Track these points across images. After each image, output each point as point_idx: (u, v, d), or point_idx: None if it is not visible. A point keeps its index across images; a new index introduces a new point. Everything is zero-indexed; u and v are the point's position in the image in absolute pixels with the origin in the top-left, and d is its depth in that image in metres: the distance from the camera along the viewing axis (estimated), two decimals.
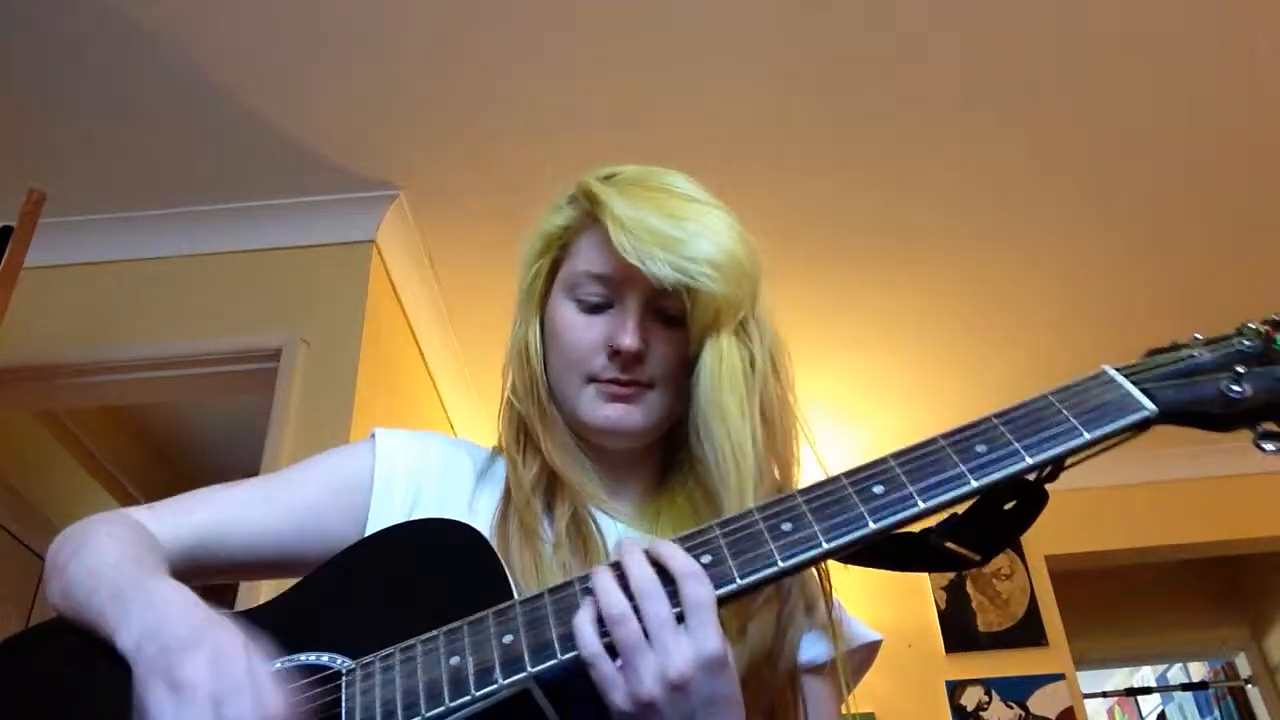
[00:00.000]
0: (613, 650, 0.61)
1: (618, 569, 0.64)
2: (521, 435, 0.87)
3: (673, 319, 0.84)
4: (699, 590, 0.61)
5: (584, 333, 0.85)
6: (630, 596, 0.62)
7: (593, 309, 0.85)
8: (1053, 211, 2.70)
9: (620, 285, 0.84)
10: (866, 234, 2.75)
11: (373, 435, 0.90)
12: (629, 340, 0.82)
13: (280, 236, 2.62)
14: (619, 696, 0.60)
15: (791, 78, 2.29)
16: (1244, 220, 2.77)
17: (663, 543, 0.65)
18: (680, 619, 0.61)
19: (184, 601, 0.67)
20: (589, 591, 0.64)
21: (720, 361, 0.81)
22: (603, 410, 0.84)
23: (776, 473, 0.81)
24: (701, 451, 0.80)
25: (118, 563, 0.72)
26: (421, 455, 0.88)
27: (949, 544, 0.70)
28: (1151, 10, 2.16)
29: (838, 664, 0.81)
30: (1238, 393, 0.64)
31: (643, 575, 0.62)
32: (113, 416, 3.42)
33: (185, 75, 2.24)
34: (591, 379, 0.84)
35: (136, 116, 2.36)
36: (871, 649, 0.88)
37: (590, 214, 0.86)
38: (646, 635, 0.60)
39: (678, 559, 0.63)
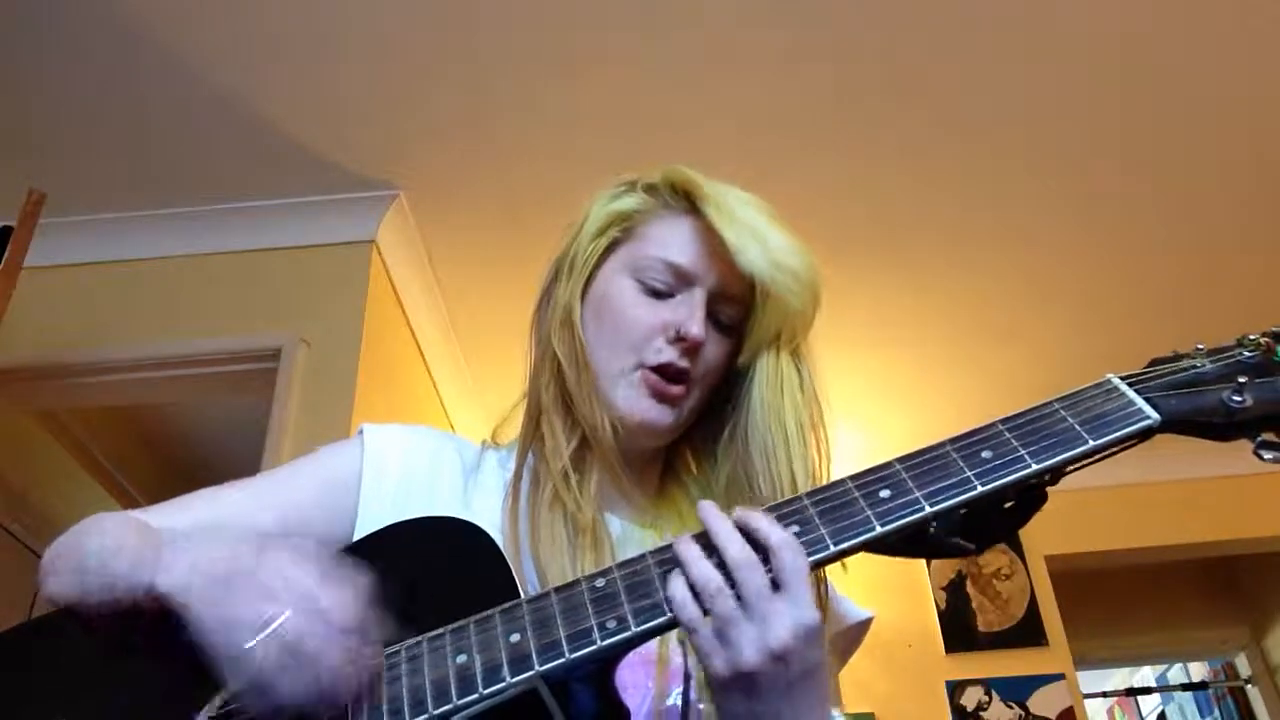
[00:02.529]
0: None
1: (701, 539, 0.64)
2: (563, 405, 0.86)
3: (723, 326, 0.86)
4: (796, 560, 0.61)
5: (646, 313, 0.85)
6: (721, 566, 0.62)
7: (655, 294, 0.86)
8: (1055, 211, 2.70)
9: (692, 278, 0.86)
10: (869, 234, 2.75)
11: (361, 431, 0.89)
12: (696, 329, 0.83)
13: (280, 236, 2.62)
14: (719, 664, 0.60)
15: (791, 77, 2.29)
16: (1246, 221, 2.77)
17: (750, 514, 0.64)
18: (775, 588, 0.61)
19: (216, 537, 0.67)
20: (594, 587, 0.64)
21: (779, 376, 0.84)
22: (642, 404, 0.84)
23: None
24: (747, 459, 0.82)
25: (139, 531, 0.71)
26: (410, 450, 0.88)
27: (947, 536, 0.70)
28: (1154, 12, 2.16)
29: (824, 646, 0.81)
30: (1239, 403, 0.66)
31: (739, 546, 0.62)
32: (113, 416, 3.41)
33: (185, 75, 2.24)
34: (641, 364, 0.84)
35: (137, 116, 2.35)
36: (863, 627, 0.89)
37: (671, 205, 0.89)
38: (743, 605, 0.60)
39: (774, 530, 0.63)
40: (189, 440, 3.60)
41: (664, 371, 0.84)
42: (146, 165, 2.50)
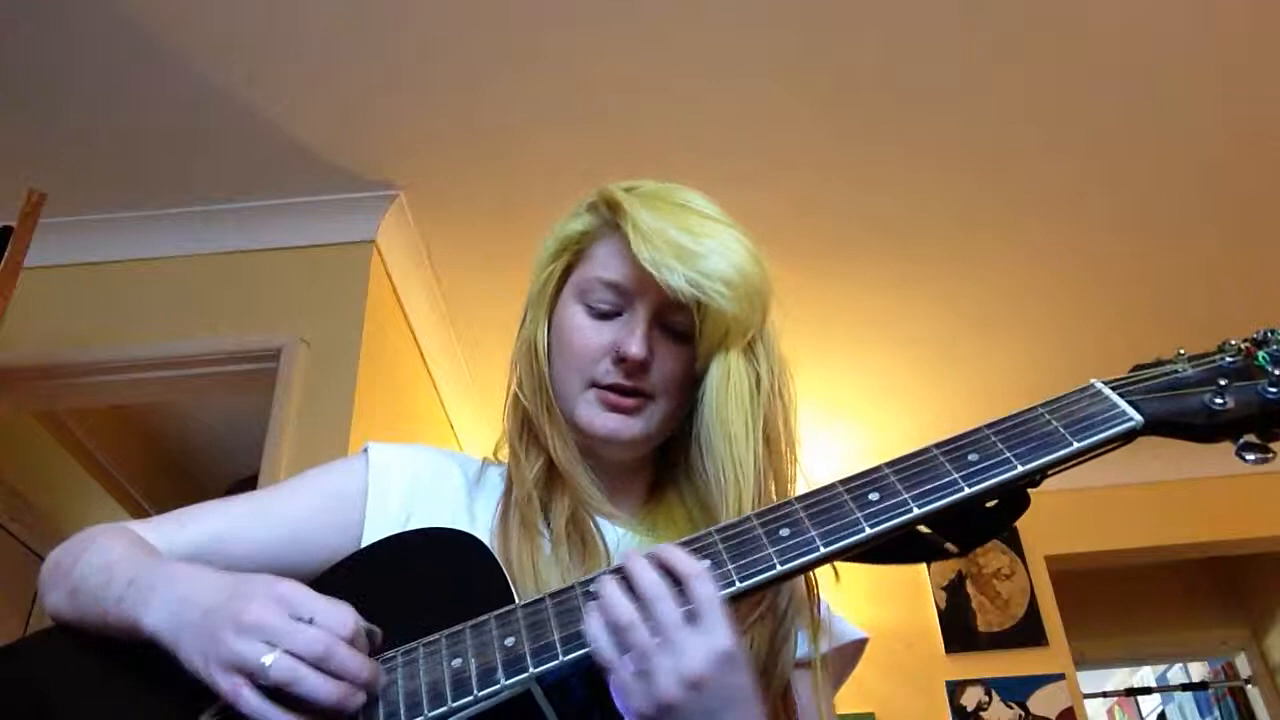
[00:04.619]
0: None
1: (621, 574, 0.65)
2: (526, 431, 0.88)
3: (679, 334, 0.86)
4: (706, 588, 0.62)
5: (592, 337, 0.86)
6: (637, 601, 0.63)
7: (602, 315, 0.87)
8: (1054, 210, 2.70)
9: (632, 295, 0.85)
10: (867, 233, 2.75)
11: (365, 449, 0.91)
12: (636, 349, 0.83)
13: (280, 236, 2.62)
14: (639, 700, 0.61)
15: (791, 75, 2.29)
16: (1248, 222, 2.77)
17: (665, 547, 0.66)
18: (690, 619, 0.62)
19: (205, 570, 0.69)
20: (591, 595, 0.65)
21: (727, 379, 0.82)
22: (600, 418, 0.85)
23: (774, 492, 0.82)
24: (702, 466, 0.82)
25: (127, 556, 0.74)
26: (414, 467, 0.89)
27: (930, 533, 0.72)
28: (1154, 7, 2.16)
29: (817, 664, 0.82)
30: (1220, 405, 0.67)
31: (649, 579, 0.63)
32: (113, 416, 3.41)
33: (185, 75, 2.24)
34: (593, 384, 0.85)
35: (136, 116, 2.36)
36: (858, 646, 0.90)
37: (609, 222, 0.88)
38: (658, 637, 0.61)
39: (683, 561, 0.64)
40: (189, 440, 3.60)
41: (615, 391, 0.85)
42: (147, 165, 2.50)
